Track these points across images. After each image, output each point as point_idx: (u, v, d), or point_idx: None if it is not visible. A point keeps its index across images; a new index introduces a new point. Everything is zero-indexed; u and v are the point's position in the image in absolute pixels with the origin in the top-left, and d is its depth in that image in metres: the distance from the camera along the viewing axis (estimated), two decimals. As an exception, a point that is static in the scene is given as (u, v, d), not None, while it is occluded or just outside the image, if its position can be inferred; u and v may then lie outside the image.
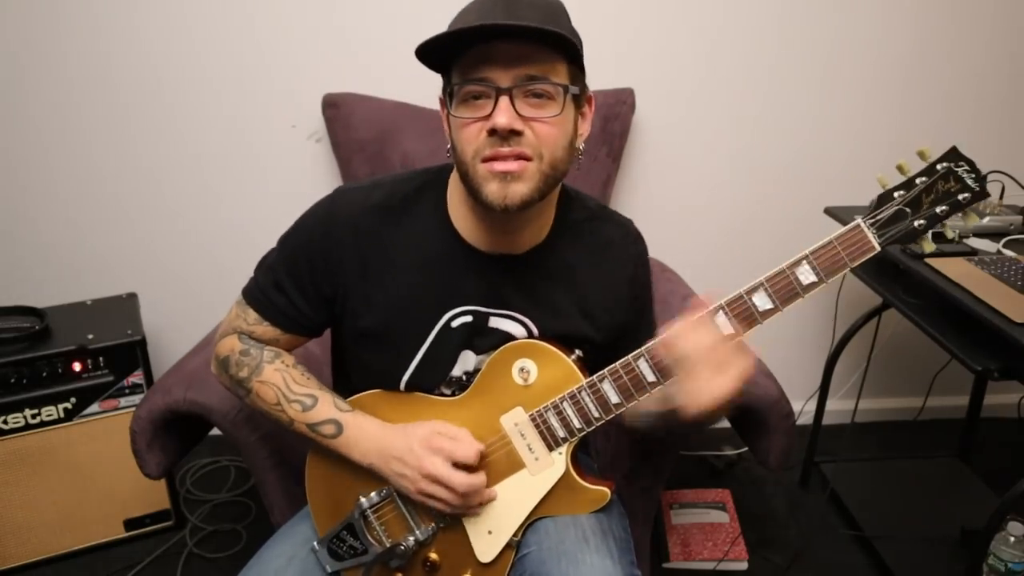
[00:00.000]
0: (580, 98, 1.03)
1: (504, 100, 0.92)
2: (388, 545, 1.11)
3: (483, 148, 0.94)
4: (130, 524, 1.98)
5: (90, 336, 1.86)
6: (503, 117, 0.92)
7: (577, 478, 1.07)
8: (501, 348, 1.07)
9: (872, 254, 0.93)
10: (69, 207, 2.15)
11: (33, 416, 1.82)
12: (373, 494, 1.11)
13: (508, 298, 1.10)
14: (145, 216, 2.19)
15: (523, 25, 0.89)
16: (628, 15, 2.08)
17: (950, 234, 0.96)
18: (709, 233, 2.32)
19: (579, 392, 1.03)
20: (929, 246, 0.94)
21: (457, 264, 1.09)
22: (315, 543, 1.14)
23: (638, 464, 1.44)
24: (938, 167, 0.93)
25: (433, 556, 1.11)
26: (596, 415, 1.03)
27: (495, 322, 1.10)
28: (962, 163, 0.93)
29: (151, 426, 1.40)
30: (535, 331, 1.10)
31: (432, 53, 0.94)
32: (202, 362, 1.50)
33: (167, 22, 2.01)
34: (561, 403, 1.04)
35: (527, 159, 0.95)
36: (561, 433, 1.05)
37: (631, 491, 1.44)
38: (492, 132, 0.93)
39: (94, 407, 1.87)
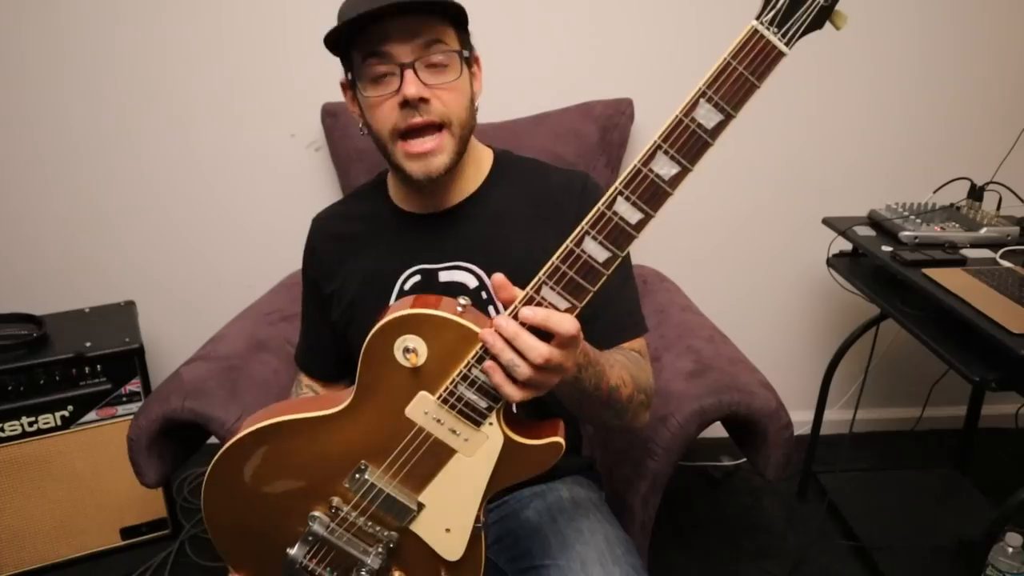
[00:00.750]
0: (470, 60, 1.11)
1: (409, 73, 1.00)
2: None
3: (399, 122, 1.03)
4: (126, 532, 1.97)
5: (88, 344, 1.86)
6: (411, 87, 1.00)
7: (521, 439, 0.90)
8: (370, 334, 0.87)
9: (780, 60, 0.77)
10: (68, 215, 2.15)
11: (30, 424, 1.82)
12: (298, 545, 0.97)
13: (450, 250, 1.15)
14: (144, 224, 2.19)
15: (421, 0, 0.99)
16: (626, 25, 2.09)
17: (841, 23, 0.79)
18: (708, 244, 2.32)
19: (486, 353, 0.83)
20: (842, 20, 0.79)
21: (399, 231, 1.17)
22: None
23: (634, 473, 1.44)
24: None
25: (398, 575, 0.99)
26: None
27: (445, 276, 1.14)
28: None
29: (149, 435, 1.40)
30: (484, 277, 1.13)
31: (335, 40, 1.06)
32: (200, 371, 1.51)
33: (167, 32, 2.02)
34: (469, 371, 0.85)
35: (438, 128, 1.04)
36: (483, 404, 0.87)
37: (629, 500, 1.44)
38: (404, 104, 1.01)
39: (91, 415, 1.87)
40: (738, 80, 0.78)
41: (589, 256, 0.81)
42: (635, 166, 0.78)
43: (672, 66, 2.14)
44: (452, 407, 0.88)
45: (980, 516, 2.01)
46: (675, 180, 0.79)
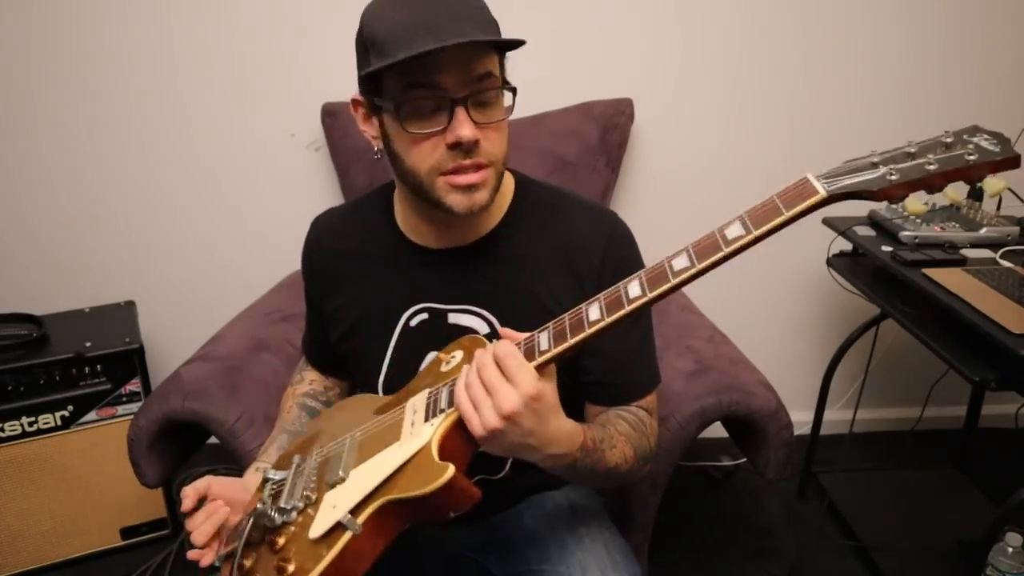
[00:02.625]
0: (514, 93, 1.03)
1: (462, 112, 0.91)
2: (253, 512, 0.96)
3: (444, 162, 0.94)
4: (126, 532, 1.97)
5: (88, 344, 1.86)
6: (467, 130, 0.91)
7: (434, 452, 0.86)
8: (448, 346, 0.99)
9: (815, 199, 0.80)
10: (68, 214, 2.15)
11: (30, 424, 1.82)
12: (280, 472, 1.02)
13: (462, 292, 1.09)
14: (144, 224, 2.19)
15: (495, 40, 0.91)
16: (627, 25, 2.09)
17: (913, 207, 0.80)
18: (707, 243, 2.32)
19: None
20: (916, 206, 0.80)
21: (407, 264, 1.11)
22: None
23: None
24: (945, 138, 0.77)
25: (279, 540, 0.93)
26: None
27: (454, 318, 1.10)
28: (980, 133, 0.77)
29: (149, 434, 1.40)
30: (495, 323, 1.07)
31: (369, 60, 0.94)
32: (200, 371, 1.51)
33: (166, 31, 2.02)
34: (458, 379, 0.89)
35: (485, 167, 0.96)
36: (444, 403, 0.89)
37: (629, 501, 1.44)
38: (454, 145, 0.92)
39: (91, 415, 1.87)
40: (769, 208, 0.83)
41: (587, 315, 0.85)
42: (662, 261, 0.83)
43: (672, 66, 2.14)
44: (428, 397, 0.93)
45: (980, 516, 2.01)
46: (681, 273, 0.83)
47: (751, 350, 1.61)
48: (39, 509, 1.87)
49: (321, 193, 2.17)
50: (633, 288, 0.83)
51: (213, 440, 1.47)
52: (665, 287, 0.81)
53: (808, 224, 2.21)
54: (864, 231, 1.90)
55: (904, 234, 1.78)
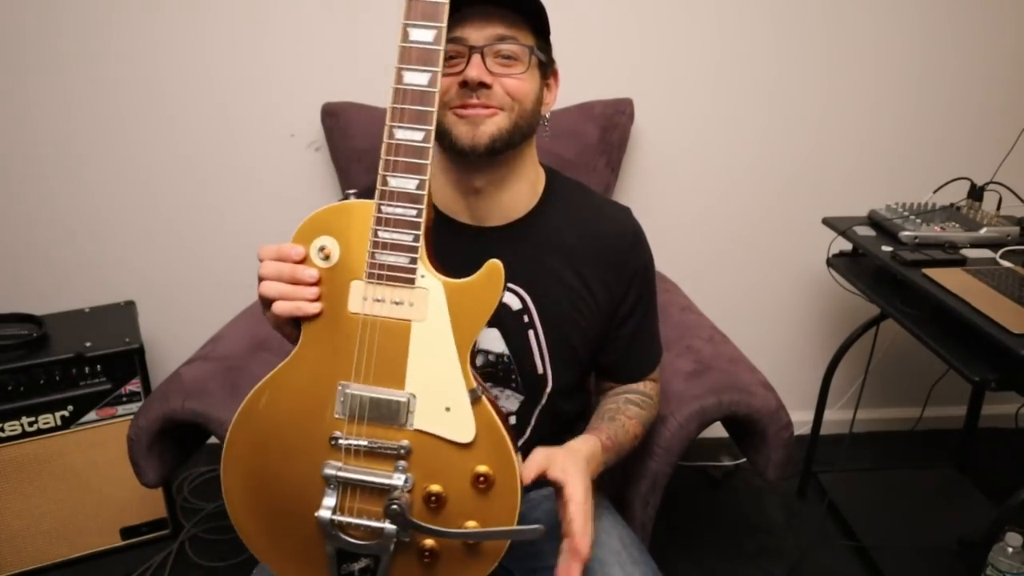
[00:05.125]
0: (546, 68, 1.12)
1: (476, 57, 1.00)
2: (384, 524, 0.91)
3: (453, 99, 1.02)
4: (126, 532, 1.97)
5: (88, 344, 1.85)
6: (474, 70, 1.00)
7: (459, 280, 0.89)
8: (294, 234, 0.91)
9: None
10: (68, 214, 2.15)
11: (30, 424, 1.82)
12: (326, 499, 0.92)
13: None
14: (144, 224, 2.19)
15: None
16: (627, 24, 2.09)
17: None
18: (708, 244, 2.32)
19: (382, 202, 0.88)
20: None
21: (441, 238, 1.08)
22: None
23: (634, 472, 1.44)
24: None
25: (431, 488, 0.91)
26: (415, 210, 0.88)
27: None
28: None
29: (149, 434, 1.40)
30: (530, 302, 1.12)
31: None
32: (200, 371, 1.51)
33: (166, 30, 2.02)
34: (376, 235, 0.88)
35: (495, 109, 1.03)
36: (404, 260, 0.88)
37: (629, 500, 1.44)
38: (464, 84, 1.01)
39: (91, 415, 1.87)
40: None
41: None
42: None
43: (672, 66, 2.14)
44: (380, 278, 0.88)
45: (980, 516, 2.02)
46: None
47: (751, 350, 1.61)
48: (39, 509, 1.87)
49: (321, 193, 2.17)
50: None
51: (213, 440, 1.47)
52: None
53: (808, 224, 2.23)
54: (864, 231, 1.90)
55: (904, 234, 1.78)
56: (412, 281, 0.88)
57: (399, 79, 0.87)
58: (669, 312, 1.80)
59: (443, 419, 0.89)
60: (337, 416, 0.92)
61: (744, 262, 2.35)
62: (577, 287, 1.14)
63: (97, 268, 2.21)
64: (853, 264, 1.93)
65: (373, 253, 0.88)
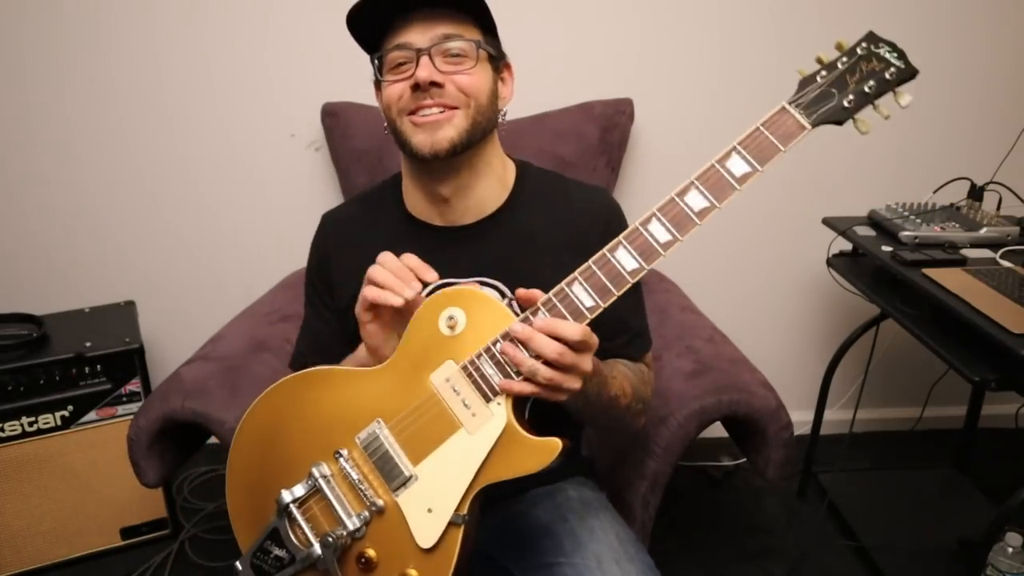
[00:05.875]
0: (497, 62, 1.11)
1: (424, 59, 1.02)
2: (316, 544, 0.97)
3: (407, 104, 1.04)
4: (126, 532, 1.97)
5: (88, 344, 1.86)
6: (424, 71, 1.01)
7: (521, 430, 0.92)
8: (425, 301, 0.97)
9: (803, 133, 0.92)
10: (68, 214, 2.15)
11: (30, 424, 1.82)
12: (298, 487, 0.99)
13: (474, 266, 1.13)
14: (144, 224, 2.19)
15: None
16: (627, 24, 2.09)
17: (864, 128, 0.95)
18: (707, 243, 2.31)
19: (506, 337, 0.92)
20: (865, 126, 0.94)
21: (417, 243, 1.12)
22: (237, 562, 1.05)
23: (634, 473, 1.44)
24: (858, 50, 0.95)
25: (369, 552, 0.97)
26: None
27: None
28: (882, 44, 0.95)
29: (149, 434, 1.40)
30: (508, 293, 1.12)
31: (362, 33, 1.07)
32: (200, 371, 1.51)
33: (167, 31, 2.02)
34: (494, 346, 0.92)
35: (452, 108, 1.04)
36: (495, 378, 0.92)
37: (629, 500, 1.44)
38: (415, 87, 1.02)
39: (91, 415, 1.87)
40: (763, 142, 0.93)
41: (619, 263, 0.91)
42: (671, 196, 0.92)
43: (672, 66, 2.14)
44: (470, 376, 0.93)
45: (980, 516, 2.01)
46: (703, 213, 0.92)
47: (751, 350, 1.61)
48: (39, 509, 1.87)
49: (321, 193, 2.17)
50: (659, 231, 0.91)
51: (213, 440, 1.47)
52: (692, 229, 0.91)
53: (808, 224, 2.22)
54: (864, 231, 1.90)
55: (904, 234, 1.78)
56: (489, 400, 0.93)
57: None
58: (669, 312, 1.80)
59: (421, 514, 0.95)
60: (356, 439, 0.98)
61: (744, 262, 2.35)
62: (556, 275, 1.10)
63: (97, 268, 2.21)
64: (853, 264, 1.93)
65: (481, 355, 0.93)
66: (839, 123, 0.93)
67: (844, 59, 0.94)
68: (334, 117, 2.00)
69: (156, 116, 2.09)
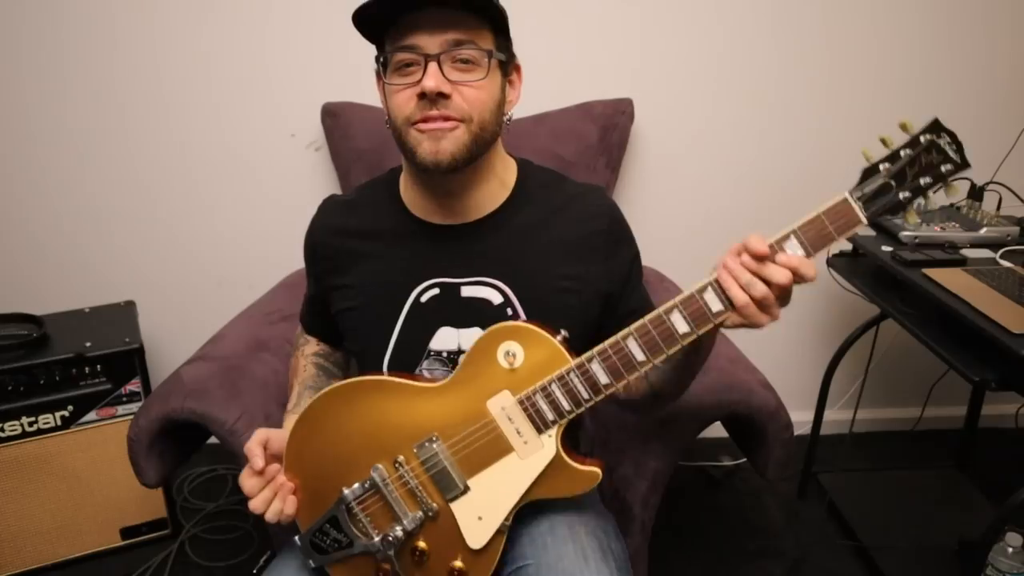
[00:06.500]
0: (507, 65, 1.10)
1: (432, 66, 0.99)
2: (375, 538, 1.07)
3: (414, 113, 1.02)
4: (126, 532, 1.97)
5: (88, 344, 1.86)
6: (431, 80, 0.99)
7: (568, 459, 1.03)
8: (486, 332, 1.03)
9: (859, 227, 0.95)
10: (68, 214, 2.15)
11: (30, 424, 1.82)
12: (356, 486, 1.07)
13: (473, 265, 1.13)
14: (144, 224, 2.19)
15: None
16: (627, 24, 2.09)
17: (912, 220, 0.97)
18: (708, 243, 2.30)
19: (568, 374, 0.99)
20: (913, 218, 0.96)
21: (415, 240, 1.14)
22: (296, 536, 1.11)
23: (634, 473, 1.44)
24: (921, 139, 0.96)
25: (422, 545, 1.08)
26: (586, 396, 1.00)
27: (468, 291, 1.13)
28: (944, 135, 0.96)
29: (149, 434, 1.40)
30: (511, 294, 1.12)
31: (366, 23, 1.03)
32: (200, 371, 1.51)
33: (166, 31, 2.02)
34: (549, 385, 1.00)
35: (457, 121, 1.02)
36: (550, 416, 1.01)
37: (629, 500, 1.44)
38: (422, 96, 1.00)
39: (91, 415, 1.87)
40: (821, 230, 0.97)
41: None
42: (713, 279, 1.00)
43: (672, 66, 2.14)
44: (525, 410, 1.01)
45: (980, 516, 2.01)
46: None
47: (751, 350, 1.61)
48: (39, 509, 1.87)
49: (321, 193, 2.15)
50: (713, 302, 0.99)
51: (213, 440, 1.47)
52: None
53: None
54: (864, 231, 1.90)
55: (904, 234, 1.78)
56: (541, 432, 1.02)
57: None
58: (669, 312, 1.79)
59: (472, 520, 1.06)
60: (414, 451, 1.06)
61: (744, 262, 2.34)
62: (559, 274, 1.12)
63: (97, 268, 2.21)
64: (853, 264, 1.93)
65: (537, 392, 1.00)
66: (892, 215, 0.96)
67: (908, 150, 0.95)
68: (334, 117, 2.00)
69: (156, 116, 2.09)
